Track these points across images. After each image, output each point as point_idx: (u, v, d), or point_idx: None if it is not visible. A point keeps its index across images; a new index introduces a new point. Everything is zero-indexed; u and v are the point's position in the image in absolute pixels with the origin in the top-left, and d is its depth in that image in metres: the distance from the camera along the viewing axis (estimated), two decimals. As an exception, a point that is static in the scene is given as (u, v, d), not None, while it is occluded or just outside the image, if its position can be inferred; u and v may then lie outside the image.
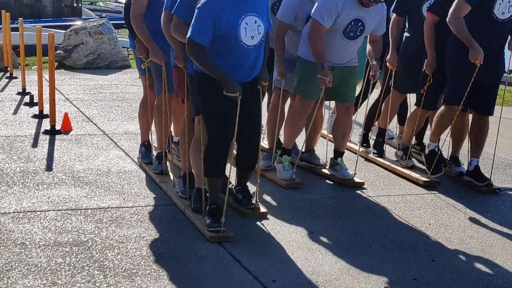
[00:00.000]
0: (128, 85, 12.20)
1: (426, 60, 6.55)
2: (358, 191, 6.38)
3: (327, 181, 6.59)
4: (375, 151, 7.43)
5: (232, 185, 5.69)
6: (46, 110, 8.75)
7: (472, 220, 5.72)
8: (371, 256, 4.88)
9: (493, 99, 6.45)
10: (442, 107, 6.51)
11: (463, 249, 5.09)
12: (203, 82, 5.09)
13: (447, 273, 4.64)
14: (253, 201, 5.54)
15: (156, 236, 5.02)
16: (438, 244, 5.18)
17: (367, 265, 4.70)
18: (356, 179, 6.54)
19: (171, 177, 6.25)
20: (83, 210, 5.48)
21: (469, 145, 6.65)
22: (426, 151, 6.73)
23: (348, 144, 7.28)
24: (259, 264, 4.61)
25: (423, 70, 6.63)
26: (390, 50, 6.98)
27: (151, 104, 6.56)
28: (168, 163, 6.43)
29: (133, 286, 4.19)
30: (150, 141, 6.82)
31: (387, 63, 7.05)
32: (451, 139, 6.83)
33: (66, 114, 8.40)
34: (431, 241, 5.24)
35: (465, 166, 6.78)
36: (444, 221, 5.68)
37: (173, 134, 6.79)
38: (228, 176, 5.31)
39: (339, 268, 4.65)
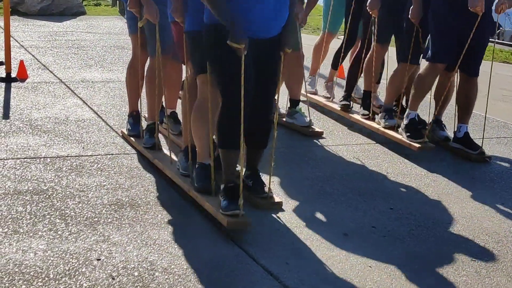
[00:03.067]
0: (84, 32, 12.00)
1: (411, 8, 5.99)
2: (315, 140, 6.43)
3: (284, 130, 6.62)
4: (364, 113, 6.80)
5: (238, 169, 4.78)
6: (1, 57, 8.58)
7: (429, 169, 5.81)
8: (330, 204, 4.94)
9: (480, 60, 6.01)
10: (425, 67, 6.08)
11: (420, 197, 5.19)
12: (210, 35, 4.39)
13: (404, 220, 4.73)
14: (266, 189, 4.79)
15: (117, 185, 5.01)
16: (395, 192, 5.27)
17: (327, 213, 4.77)
18: (316, 129, 6.58)
19: (166, 152, 5.51)
20: (42, 159, 5.44)
21: (457, 110, 6.18)
22: (405, 120, 6.17)
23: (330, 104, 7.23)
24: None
25: (406, 19, 6.08)
26: None
27: (142, 68, 5.73)
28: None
29: (95, 234, 4.19)
30: (140, 111, 5.93)
31: (368, 8, 6.40)
32: (434, 100, 6.36)
33: (21, 62, 8.26)
34: (388, 189, 5.32)
35: (448, 131, 6.41)
36: (402, 170, 5.76)
37: (164, 105, 5.68)
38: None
39: (299, 216, 4.70)
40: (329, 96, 7.55)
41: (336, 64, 7.47)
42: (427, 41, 6.15)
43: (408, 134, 6.14)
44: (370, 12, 6.43)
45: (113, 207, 4.61)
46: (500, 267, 4.12)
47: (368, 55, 6.73)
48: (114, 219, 4.43)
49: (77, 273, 3.70)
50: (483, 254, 4.28)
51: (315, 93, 7.70)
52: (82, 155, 5.58)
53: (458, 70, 5.98)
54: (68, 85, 7.92)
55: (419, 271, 4.00)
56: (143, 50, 5.61)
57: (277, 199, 4.83)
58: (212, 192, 4.62)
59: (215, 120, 4.49)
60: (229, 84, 4.34)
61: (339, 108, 7.14)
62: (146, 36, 5.47)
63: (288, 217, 4.67)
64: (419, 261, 4.12)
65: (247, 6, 4.26)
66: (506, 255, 4.27)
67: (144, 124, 5.87)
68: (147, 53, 5.59)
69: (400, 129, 6.27)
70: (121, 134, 6.13)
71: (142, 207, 4.64)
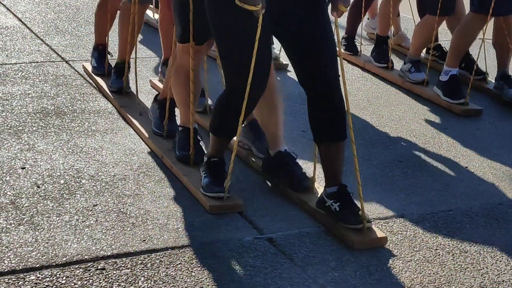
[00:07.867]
0: None
1: None
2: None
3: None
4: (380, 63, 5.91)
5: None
6: None
7: (360, 73, 5.82)
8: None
9: None
10: (467, 16, 5.25)
11: (350, 101, 5.13)
12: None
13: (334, 124, 4.74)
14: (360, 216, 3.30)
15: (42, 93, 4.88)
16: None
17: (257, 118, 4.74)
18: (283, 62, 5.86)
19: (136, 100, 4.76)
20: (-37, 67, 5.27)
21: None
22: (444, 78, 5.25)
23: None
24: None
25: None
26: None
27: (113, 11, 5.02)
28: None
29: (20, 143, 4.09)
30: (106, 45, 5.19)
31: None
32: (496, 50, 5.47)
33: None
34: (319, 94, 5.31)
35: None
36: (333, 74, 5.75)
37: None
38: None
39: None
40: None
41: None
42: None
43: (446, 92, 5.23)
44: None
45: (38, 116, 4.50)
46: (426, 167, 4.19)
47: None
48: (40, 127, 4.33)
49: (0, 182, 3.62)
50: (410, 155, 4.34)
51: None
52: (5, 63, 5.41)
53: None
54: (-9, -8, 7.62)
55: (345, 172, 4.03)
56: None
57: (379, 234, 3.29)
58: (191, 162, 3.84)
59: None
60: (232, 57, 3.31)
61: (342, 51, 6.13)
62: None
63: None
64: (346, 163, 4.15)
65: None
66: (432, 155, 4.35)
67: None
68: None
69: (435, 87, 5.37)
70: (82, 69, 5.38)
71: (68, 115, 4.54)
